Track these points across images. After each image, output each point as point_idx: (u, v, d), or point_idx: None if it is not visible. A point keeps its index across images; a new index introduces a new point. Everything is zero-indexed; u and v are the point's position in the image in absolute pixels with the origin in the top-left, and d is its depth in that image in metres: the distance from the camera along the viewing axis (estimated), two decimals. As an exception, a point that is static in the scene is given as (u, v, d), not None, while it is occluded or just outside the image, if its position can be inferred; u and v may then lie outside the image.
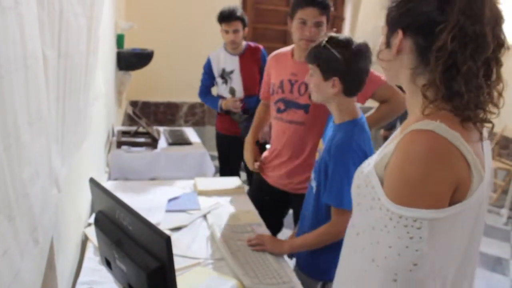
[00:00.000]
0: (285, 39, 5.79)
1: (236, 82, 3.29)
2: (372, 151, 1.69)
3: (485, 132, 1.02)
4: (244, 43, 3.36)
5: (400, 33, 0.99)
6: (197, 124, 5.51)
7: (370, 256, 0.99)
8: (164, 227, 1.91)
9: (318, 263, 1.83)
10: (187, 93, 5.38)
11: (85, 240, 1.87)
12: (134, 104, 5.24)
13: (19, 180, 0.85)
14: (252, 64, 3.35)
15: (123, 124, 4.32)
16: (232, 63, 3.32)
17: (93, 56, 1.71)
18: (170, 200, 2.19)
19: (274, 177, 2.38)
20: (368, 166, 1.05)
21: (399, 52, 1.00)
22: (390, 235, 0.94)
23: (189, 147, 3.23)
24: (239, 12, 3.25)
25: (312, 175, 1.86)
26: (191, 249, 1.79)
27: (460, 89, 0.91)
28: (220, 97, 3.38)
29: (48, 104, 1.09)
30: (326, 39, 1.69)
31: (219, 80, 3.35)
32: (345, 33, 5.84)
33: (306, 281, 1.79)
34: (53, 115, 1.18)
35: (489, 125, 1.00)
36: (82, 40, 1.48)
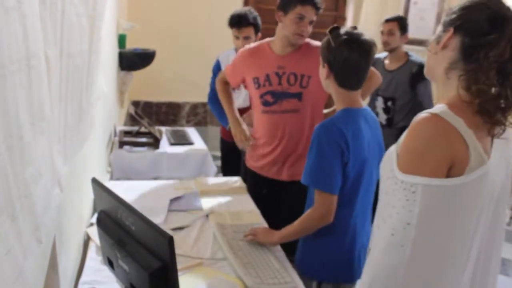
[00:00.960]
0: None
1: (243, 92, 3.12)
2: (360, 138, 1.70)
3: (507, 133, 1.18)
4: None
5: (451, 31, 1.16)
6: (199, 124, 5.50)
7: (381, 216, 1.20)
8: (167, 227, 1.91)
9: (312, 262, 1.84)
10: (189, 93, 5.38)
11: (87, 240, 1.87)
12: (136, 104, 5.24)
13: (21, 180, 0.85)
14: None
15: (125, 124, 4.33)
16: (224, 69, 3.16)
17: (95, 56, 1.71)
18: (172, 200, 2.19)
19: (274, 170, 2.42)
20: (393, 145, 1.22)
21: (444, 47, 1.18)
22: (394, 197, 1.14)
23: (191, 147, 3.23)
24: (252, 17, 3.05)
25: None
26: (193, 249, 1.79)
27: (506, 93, 1.09)
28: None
29: (50, 104, 1.09)
30: (331, 27, 1.74)
31: None
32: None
33: (302, 279, 1.80)
34: (56, 115, 1.18)
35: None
36: (84, 40, 1.48)
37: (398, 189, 1.13)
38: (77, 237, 1.81)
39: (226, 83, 2.60)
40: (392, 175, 1.15)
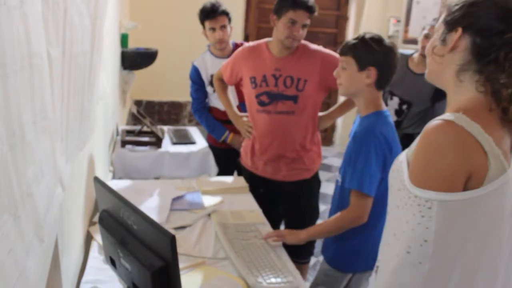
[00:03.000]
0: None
1: (229, 88, 2.92)
2: (397, 141, 1.78)
3: None
4: (231, 42, 3.05)
5: (459, 31, 1.07)
6: (201, 123, 5.50)
7: (392, 231, 1.13)
8: (169, 226, 1.91)
9: (345, 255, 1.87)
10: (191, 92, 5.38)
11: (89, 239, 1.87)
12: (138, 103, 5.25)
13: (24, 179, 0.85)
14: None
15: (128, 123, 4.33)
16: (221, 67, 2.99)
17: (97, 56, 1.71)
18: (174, 199, 2.19)
19: (268, 169, 2.48)
20: (403, 154, 1.16)
21: (453, 49, 1.09)
22: (408, 212, 1.06)
23: (193, 146, 3.23)
24: (224, 6, 2.92)
25: (338, 170, 1.91)
26: (195, 248, 1.79)
27: None
28: (223, 125, 3.00)
29: (52, 103, 1.09)
30: (363, 34, 1.78)
31: (209, 89, 3.03)
32: (349, 32, 5.83)
33: (334, 274, 1.83)
34: (58, 114, 1.18)
35: None
36: (86, 39, 1.48)
37: (412, 204, 1.05)
38: (80, 236, 1.81)
39: (223, 81, 2.65)
40: (403, 187, 1.08)
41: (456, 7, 1.10)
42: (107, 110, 2.76)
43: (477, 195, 1.00)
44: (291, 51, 2.36)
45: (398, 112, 3.22)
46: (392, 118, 3.21)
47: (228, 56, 2.89)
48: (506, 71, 1.02)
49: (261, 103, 2.39)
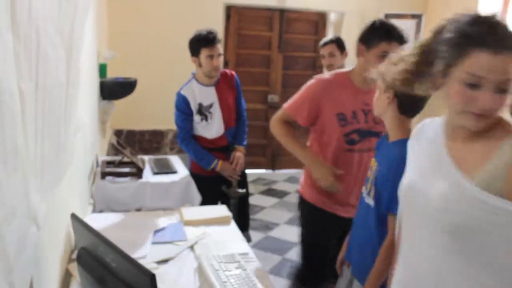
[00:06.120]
0: (268, 64, 5.83)
1: (216, 117, 3.00)
2: None
3: None
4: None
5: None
6: (183, 151, 5.42)
7: (481, 263, 1.05)
8: (151, 260, 1.85)
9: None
10: (172, 120, 5.33)
11: (69, 277, 1.80)
12: (119, 133, 5.19)
13: (-8, 221, 0.81)
14: (229, 93, 3.08)
15: (108, 154, 4.27)
16: (209, 95, 2.99)
17: (73, 88, 1.67)
18: (156, 232, 2.14)
19: (339, 207, 2.31)
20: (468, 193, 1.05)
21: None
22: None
23: (174, 175, 3.18)
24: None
25: (364, 190, 1.90)
26: (178, 282, 1.74)
27: None
28: (211, 152, 3.03)
29: (25, 139, 1.05)
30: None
31: (196, 118, 3.01)
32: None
33: None
34: (31, 149, 1.14)
35: None
36: (61, 71, 1.45)
37: None
38: (58, 275, 1.74)
39: (288, 124, 2.33)
40: (495, 208, 0.99)
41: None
42: (86, 142, 2.70)
43: None
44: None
45: None
46: None
47: (215, 84, 2.94)
48: None
49: (351, 142, 2.21)
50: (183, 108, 2.98)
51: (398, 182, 1.67)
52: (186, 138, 3.04)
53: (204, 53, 2.90)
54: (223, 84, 3.06)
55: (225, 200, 3.10)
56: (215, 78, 2.99)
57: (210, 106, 2.99)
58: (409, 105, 1.75)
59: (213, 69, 2.92)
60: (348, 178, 2.23)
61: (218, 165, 2.97)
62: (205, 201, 2.97)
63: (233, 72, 3.17)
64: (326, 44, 3.25)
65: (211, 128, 3.03)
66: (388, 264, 1.73)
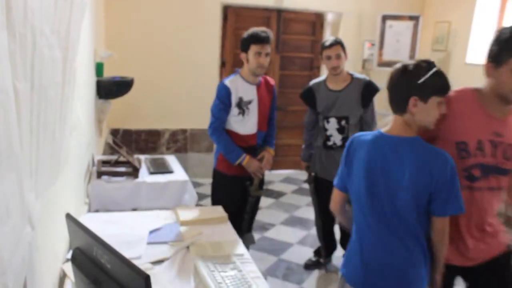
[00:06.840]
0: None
1: (253, 114, 3.00)
2: None
3: None
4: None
5: None
6: (179, 150, 5.45)
7: None
8: (146, 261, 1.85)
9: (408, 279, 1.79)
10: (169, 120, 5.35)
11: (63, 277, 1.80)
12: (115, 132, 5.18)
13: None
14: (267, 97, 3.10)
15: (104, 153, 4.25)
16: (250, 92, 2.99)
17: (69, 87, 1.67)
18: (151, 232, 2.13)
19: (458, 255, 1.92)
20: None
21: None
22: None
23: (170, 175, 3.18)
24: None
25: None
26: (173, 283, 1.73)
27: None
28: (239, 144, 3.00)
29: (20, 139, 1.05)
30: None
31: (234, 111, 2.97)
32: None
33: None
34: (26, 149, 1.14)
35: None
36: (57, 71, 1.44)
37: None
38: (52, 275, 1.74)
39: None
40: None
41: None
42: (82, 141, 2.70)
43: None
44: None
45: (341, 130, 3.25)
46: (338, 137, 3.26)
47: (257, 84, 2.99)
48: None
49: (470, 178, 1.83)
50: (223, 98, 2.96)
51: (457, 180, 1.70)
52: (218, 129, 3.00)
53: (253, 49, 2.92)
54: (264, 87, 3.10)
55: (241, 203, 3.10)
56: (259, 77, 3.02)
57: (249, 102, 3.00)
58: None
59: (259, 66, 2.93)
60: (464, 220, 1.86)
61: (245, 159, 2.97)
62: (225, 201, 2.90)
63: (273, 81, 3.23)
64: (332, 45, 3.24)
65: (246, 123, 3.03)
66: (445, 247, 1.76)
